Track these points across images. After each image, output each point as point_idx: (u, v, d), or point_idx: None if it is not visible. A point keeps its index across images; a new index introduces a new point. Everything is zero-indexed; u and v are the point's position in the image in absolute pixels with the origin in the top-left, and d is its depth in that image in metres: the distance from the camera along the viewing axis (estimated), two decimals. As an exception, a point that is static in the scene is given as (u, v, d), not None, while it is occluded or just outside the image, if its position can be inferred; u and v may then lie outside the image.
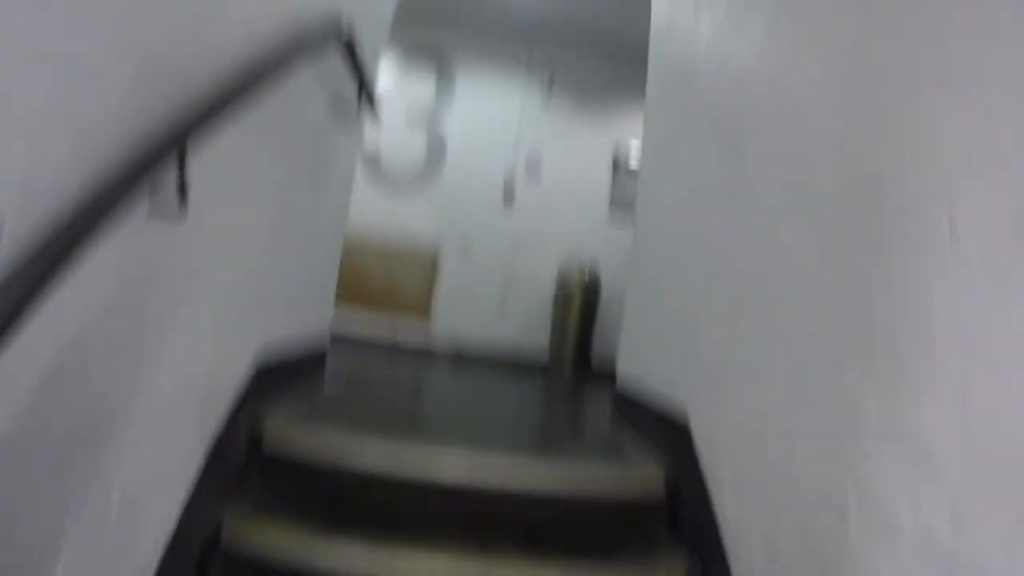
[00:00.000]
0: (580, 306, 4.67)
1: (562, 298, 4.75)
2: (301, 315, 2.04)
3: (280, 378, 1.75)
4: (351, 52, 1.79)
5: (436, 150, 5.06)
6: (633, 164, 5.22)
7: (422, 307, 4.94)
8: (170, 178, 0.96)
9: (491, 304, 4.97)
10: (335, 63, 1.79)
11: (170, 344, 1.14)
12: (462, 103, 5.13)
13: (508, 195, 5.02)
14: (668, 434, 1.78)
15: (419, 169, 5.04)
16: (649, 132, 2.95)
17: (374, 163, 5.01)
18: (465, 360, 4.81)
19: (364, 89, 2.11)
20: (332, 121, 1.99)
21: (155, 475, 1.14)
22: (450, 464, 1.55)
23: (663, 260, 2.26)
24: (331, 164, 2.12)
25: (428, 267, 4.96)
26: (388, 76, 5.11)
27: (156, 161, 0.86)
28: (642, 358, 2.33)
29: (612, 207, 5.16)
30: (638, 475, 1.69)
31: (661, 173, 2.55)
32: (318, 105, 1.81)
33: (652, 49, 3.03)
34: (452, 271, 4.95)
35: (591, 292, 4.70)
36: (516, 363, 4.88)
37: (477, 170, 5.06)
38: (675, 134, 2.40)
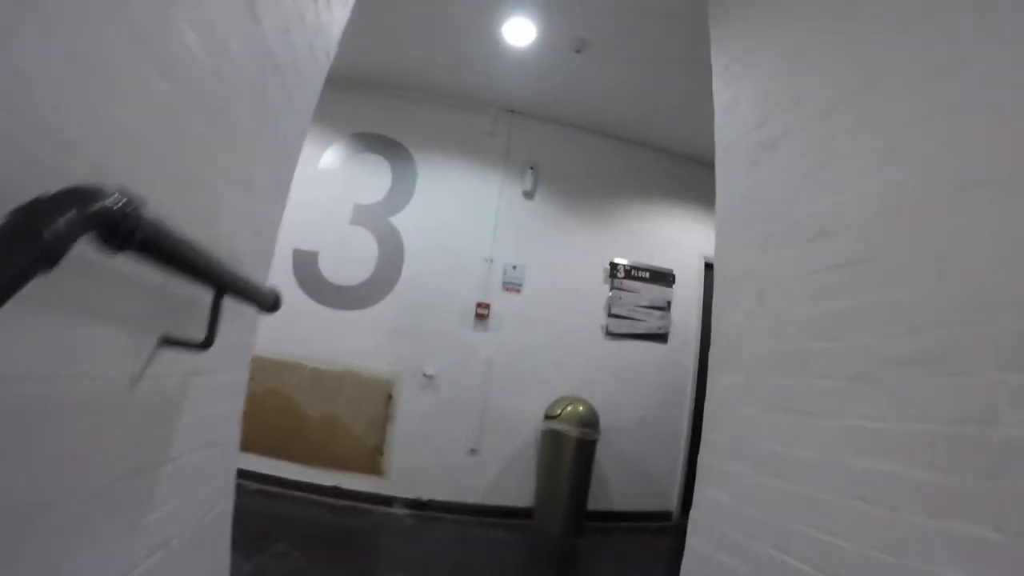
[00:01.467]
0: (574, 449, 3.68)
1: (551, 439, 3.75)
2: None
3: None
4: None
5: (391, 255, 4.09)
6: (626, 271, 4.36)
7: (373, 449, 3.86)
8: None
9: (460, 445, 3.93)
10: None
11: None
12: (424, 197, 4.21)
13: (481, 311, 4.05)
14: None
15: (369, 279, 4.05)
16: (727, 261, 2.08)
17: (312, 271, 4.01)
18: (429, 514, 3.73)
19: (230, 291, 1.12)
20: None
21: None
22: None
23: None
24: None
25: (381, 401, 3.91)
26: (330, 162, 4.17)
27: None
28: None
29: (609, 323, 4.25)
30: None
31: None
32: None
33: (721, 167, 2.18)
34: (411, 405, 3.91)
35: (587, 431, 3.71)
36: (493, 517, 3.81)
37: (442, 280, 4.09)
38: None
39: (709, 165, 4.81)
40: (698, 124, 4.34)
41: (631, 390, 4.24)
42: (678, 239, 4.59)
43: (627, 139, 4.57)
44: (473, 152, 4.33)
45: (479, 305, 4.04)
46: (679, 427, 4.39)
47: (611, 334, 4.22)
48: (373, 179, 4.18)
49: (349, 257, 4.04)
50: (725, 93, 2.19)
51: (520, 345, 4.06)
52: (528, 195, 4.33)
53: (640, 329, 4.29)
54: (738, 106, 2.07)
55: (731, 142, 2.09)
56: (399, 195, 4.18)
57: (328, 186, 4.12)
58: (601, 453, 3.88)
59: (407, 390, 3.91)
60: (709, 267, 4.69)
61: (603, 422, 3.85)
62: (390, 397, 3.91)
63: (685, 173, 4.75)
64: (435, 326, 4.00)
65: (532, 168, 4.32)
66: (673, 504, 4.29)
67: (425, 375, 3.92)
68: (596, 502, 3.87)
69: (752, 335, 1.74)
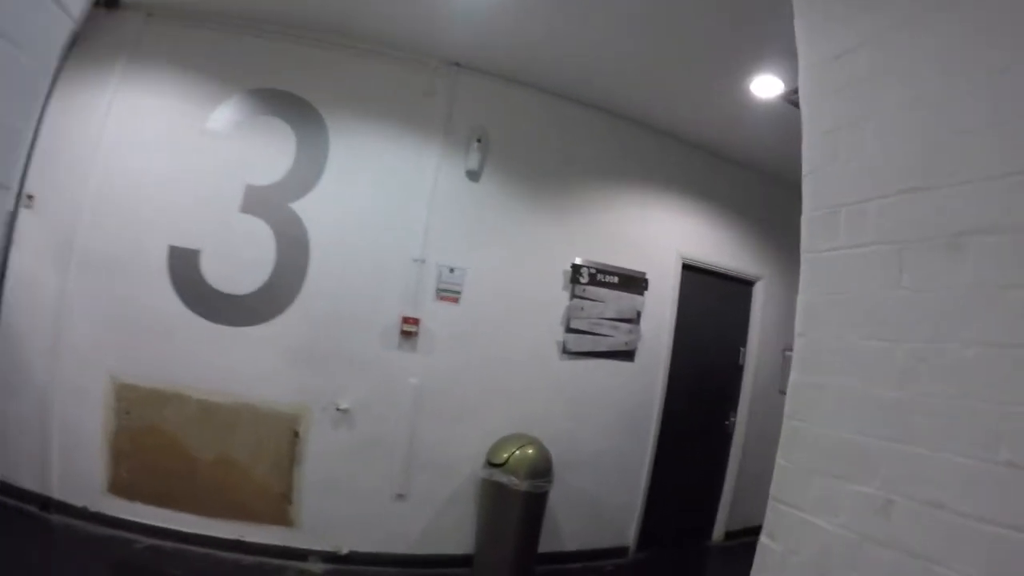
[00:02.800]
0: (522, 504, 3.06)
1: (494, 491, 3.11)
2: None
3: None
4: None
5: (292, 254, 3.19)
6: (590, 275, 3.61)
7: (280, 496, 3.15)
8: None
9: (385, 490, 3.25)
10: None
11: None
12: (337, 177, 3.27)
13: (408, 327, 3.25)
14: None
15: (266, 285, 3.17)
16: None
17: (193, 275, 3.09)
18: (351, 568, 3.12)
19: None
20: None
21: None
22: None
23: None
24: None
25: (285, 439, 3.15)
26: (219, 126, 3.16)
27: None
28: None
29: (567, 339, 3.53)
30: None
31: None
32: None
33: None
34: (323, 444, 3.16)
35: (539, 482, 3.08)
36: (427, 568, 3.24)
37: (359, 287, 3.24)
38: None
39: (697, 146, 3.92)
40: (686, 91, 3.50)
41: (590, 419, 3.60)
42: (654, 235, 3.83)
43: (600, 107, 3.67)
44: (405, 118, 3.37)
45: (405, 320, 3.23)
46: (641, 456, 3.82)
47: (569, 352, 3.52)
48: (272, 151, 3.20)
49: (239, 256, 3.13)
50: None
51: (457, 369, 3.32)
52: (473, 175, 3.44)
53: (604, 346, 3.61)
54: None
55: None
56: (305, 173, 3.22)
57: (214, 158, 3.13)
58: (554, 497, 3.28)
59: (317, 426, 3.15)
60: (688, 269, 3.98)
61: (556, 459, 3.22)
62: (296, 435, 3.14)
63: (666, 155, 3.93)
64: (350, 347, 3.19)
65: (480, 141, 3.40)
66: (630, 539, 3.79)
67: (339, 408, 3.15)
68: (546, 544, 3.31)
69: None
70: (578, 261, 3.54)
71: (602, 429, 3.65)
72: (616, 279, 3.63)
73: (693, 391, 4.10)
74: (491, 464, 3.13)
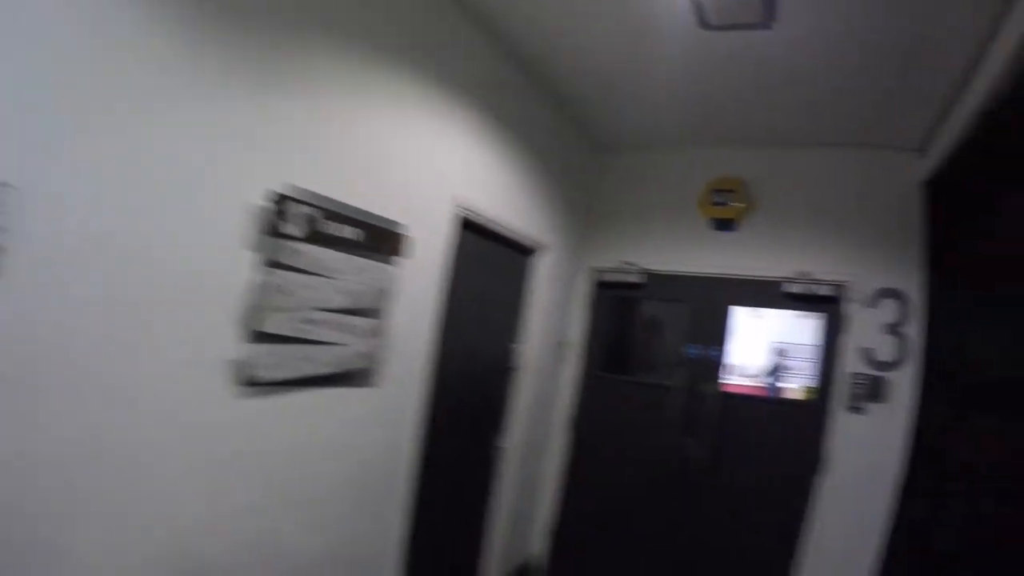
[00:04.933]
0: None
1: None
2: None
3: None
4: None
5: None
6: (308, 219, 1.83)
7: None
8: None
9: None
10: None
11: None
12: None
13: None
14: None
15: None
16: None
17: None
18: None
19: None
20: None
21: None
22: None
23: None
24: None
25: None
26: None
27: None
28: None
29: (255, 356, 1.65)
30: None
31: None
32: None
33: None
34: None
35: None
36: None
37: None
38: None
39: (513, 55, 2.44)
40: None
41: (295, 503, 1.84)
42: (424, 167, 2.22)
43: None
44: None
45: None
46: (384, 542, 2.25)
47: (259, 384, 1.66)
48: None
49: None
50: None
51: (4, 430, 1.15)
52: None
53: (326, 364, 1.86)
54: None
55: None
56: None
57: None
58: None
59: None
60: (472, 229, 2.54)
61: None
62: None
63: (468, 50, 2.35)
64: None
65: None
66: None
67: None
68: None
69: None
70: (285, 190, 1.68)
71: (318, 515, 1.93)
72: (356, 233, 1.91)
73: (459, 414, 2.71)
74: None
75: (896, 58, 2.23)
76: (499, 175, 2.69)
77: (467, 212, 2.43)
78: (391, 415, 2.22)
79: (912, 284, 2.89)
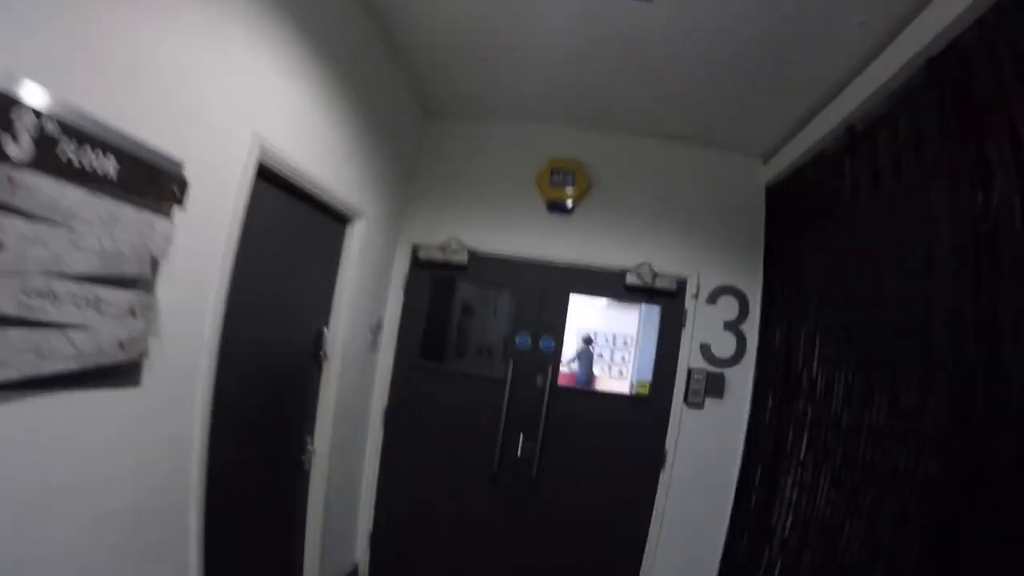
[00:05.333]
0: None
1: None
2: None
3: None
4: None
5: None
6: (38, 131, 1.19)
7: None
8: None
9: None
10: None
11: None
12: None
13: None
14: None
15: None
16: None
17: None
18: None
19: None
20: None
21: None
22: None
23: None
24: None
25: None
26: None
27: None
28: None
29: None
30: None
31: None
32: None
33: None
34: None
35: None
36: None
37: None
38: None
39: None
40: None
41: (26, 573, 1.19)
42: (210, 79, 1.64)
43: None
44: None
45: None
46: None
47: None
48: None
49: None
50: None
51: None
52: None
53: (64, 358, 1.23)
54: None
55: None
56: None
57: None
58: None
59: None
60: (274, 182, 2.03)
61: None
62: None
63: None
64: None
65: None
66: None
67: None
68: None
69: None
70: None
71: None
72: (109, 165, 1.30)
73: (258, 415, 2.16)
74: None
75: (767, 62, 2.29)
76: (313, 118, 2.19)
77: (269, 158, 1.91)
78: (167, 425, 1.62)
79: (753, 283, 3.07)
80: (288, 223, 2.25)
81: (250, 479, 2.17)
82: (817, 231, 2.64)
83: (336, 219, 2.62)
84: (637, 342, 3.21)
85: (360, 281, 2.81)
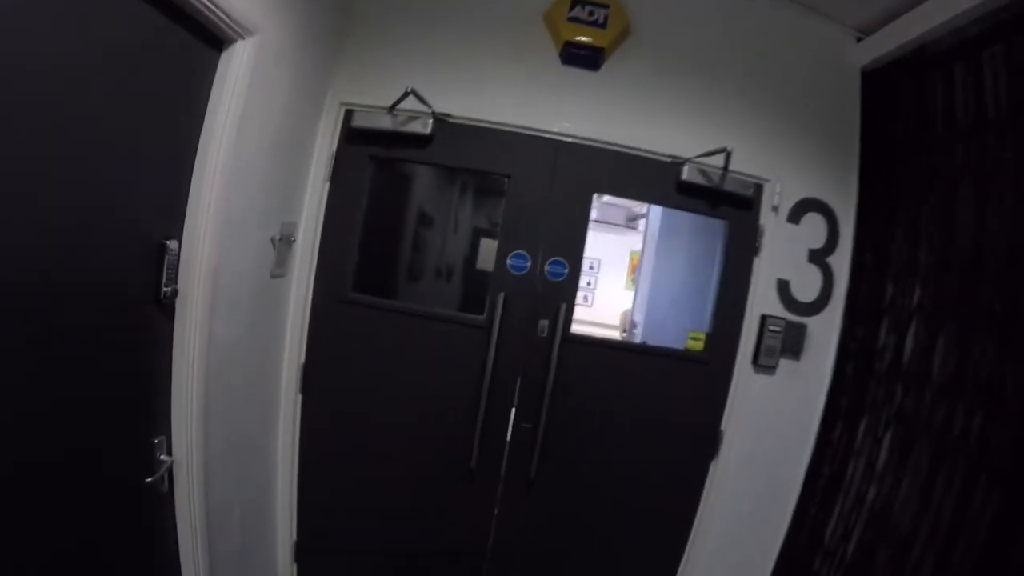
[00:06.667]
0: None
1: None
2: None
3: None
4: None
5: None
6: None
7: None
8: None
9: None
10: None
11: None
12: None
13: None
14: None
15: None
16: None
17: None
18: None
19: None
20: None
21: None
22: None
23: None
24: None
25: None
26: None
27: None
28: None
29: None
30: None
31: None
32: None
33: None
34: None
35: None
36: None
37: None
38: None
39: None
40: None
41: None
42: None
43: None
44: None
45: None
46: None
47: None
48: None
49: None
50: None
51: None
52: None
53: None
54: None
55: None
56: None
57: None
58: None
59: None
60: None
61: None
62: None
63: None
64: None
65: None
66: None
67: None
68: None
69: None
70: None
71: None
72: None
73: (44, 421, 0.95)
74: None
75: None
76: None
77: None
78: None
79: (845, 200, 2.13)
80: (87, 37, 0.93)
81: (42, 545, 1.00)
82: (936, 144, 1.78)
83: (199, 35, 1.28)
84: (693, 276, 2.21)
85: (248, 156, 1.53)
